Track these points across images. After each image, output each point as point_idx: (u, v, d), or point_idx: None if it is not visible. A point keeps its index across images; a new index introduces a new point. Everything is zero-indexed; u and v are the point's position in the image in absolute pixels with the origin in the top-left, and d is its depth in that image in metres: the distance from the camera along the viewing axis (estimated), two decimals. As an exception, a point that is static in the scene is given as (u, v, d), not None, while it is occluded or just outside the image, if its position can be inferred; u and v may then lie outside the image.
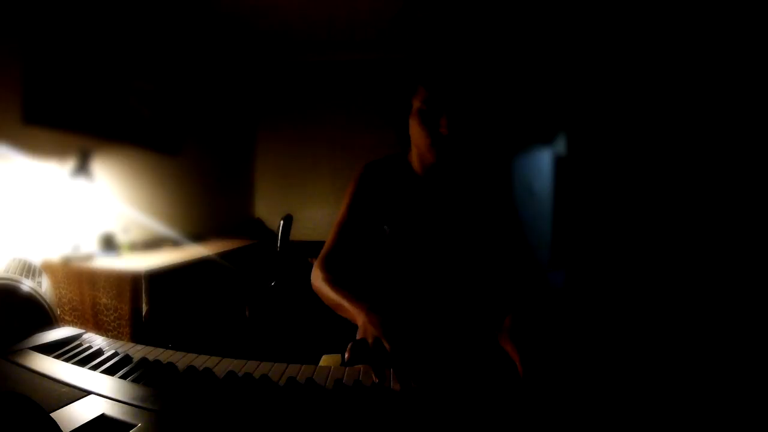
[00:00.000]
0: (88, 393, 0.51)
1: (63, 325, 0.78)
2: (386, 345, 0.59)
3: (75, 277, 1.72)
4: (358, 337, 0.66)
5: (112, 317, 1.66)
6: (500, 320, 0.71)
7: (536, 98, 3.39)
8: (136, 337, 1.64)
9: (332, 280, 0.82)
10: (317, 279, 0.85)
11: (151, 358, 0.65)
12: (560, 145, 3.36)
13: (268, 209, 4.04)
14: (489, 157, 0.99)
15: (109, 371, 0.59)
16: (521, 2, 2.77)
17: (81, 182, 1.90)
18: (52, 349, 0.67)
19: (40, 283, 0.82)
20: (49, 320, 0.78)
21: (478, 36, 3.28)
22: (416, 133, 0.88)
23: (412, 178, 0.96)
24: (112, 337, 1.50)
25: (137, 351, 0.69)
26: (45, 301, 0.79)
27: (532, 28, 3.15)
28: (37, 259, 1.10)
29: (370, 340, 0.61)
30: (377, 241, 0.94)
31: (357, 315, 0.71)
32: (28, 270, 0.85)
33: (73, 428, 0.43)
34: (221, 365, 0.64)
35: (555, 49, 3.23)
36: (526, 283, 0.88)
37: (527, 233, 0.94)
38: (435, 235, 0.92)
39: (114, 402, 0.49)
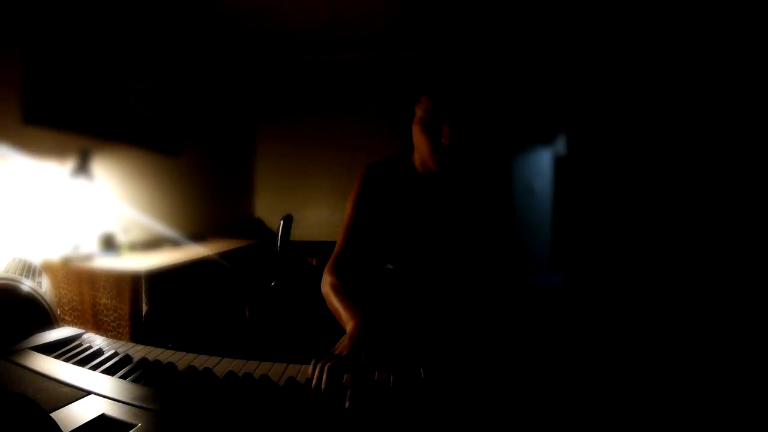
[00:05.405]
0: (88, 393, 0.51)
1: (63, 325, 0.78)
2: (362, 357, 0.60)
3: (75, 277, 1.72)
4: (339, 344, 0.66)
5: (112, 317, 1.66)
6: (487, 321, 0.71)
7: (536, 98, 3.39)
8: (136, 337, 1.63)
9: (337, 287, 0.82)
10: (325, 284, 0.86)
11: (151, 358, 0.65)
12: (560, 145, 3.36)
13: (268, 209, 4.04)
14: (489, 160, 1.00)
15: (109, 371, 0.59)
16: (521, 3, 2.77)
17: (81, 182, 1.89)
18: (52, 349, 0.67)
19: (40, 283, 0.82)
20: (49, 320, 0.78)
21: (479, 38, 3.28)
22: (419, 140, 0.88)
23: (414, 179, 0.96)
24: (112, 337, 1.50)
25: (137, 351, 0.69)
26: (45, 301, 0.79)
27: (533, 29, 3.15)
28: (37, 259, 1.10)
29: (345, 351, 0.62)
30: (379, 246, 0.94)
31: (347, 323, 0.72)
32: (28, 270, 0.85)
33: (73, 428, 0.43)
34: (221, 365, 0.64)
35: (555, 50, 3.23)
36: (513, 285, 0.88)
37: (524, 234, 0.95)
38: (434, 238, 0.92)
39: (114, 402, 0.49)
